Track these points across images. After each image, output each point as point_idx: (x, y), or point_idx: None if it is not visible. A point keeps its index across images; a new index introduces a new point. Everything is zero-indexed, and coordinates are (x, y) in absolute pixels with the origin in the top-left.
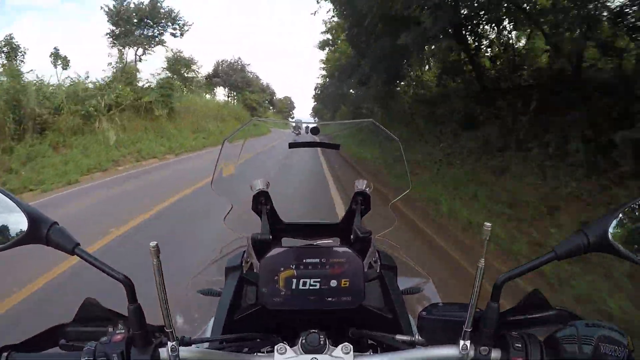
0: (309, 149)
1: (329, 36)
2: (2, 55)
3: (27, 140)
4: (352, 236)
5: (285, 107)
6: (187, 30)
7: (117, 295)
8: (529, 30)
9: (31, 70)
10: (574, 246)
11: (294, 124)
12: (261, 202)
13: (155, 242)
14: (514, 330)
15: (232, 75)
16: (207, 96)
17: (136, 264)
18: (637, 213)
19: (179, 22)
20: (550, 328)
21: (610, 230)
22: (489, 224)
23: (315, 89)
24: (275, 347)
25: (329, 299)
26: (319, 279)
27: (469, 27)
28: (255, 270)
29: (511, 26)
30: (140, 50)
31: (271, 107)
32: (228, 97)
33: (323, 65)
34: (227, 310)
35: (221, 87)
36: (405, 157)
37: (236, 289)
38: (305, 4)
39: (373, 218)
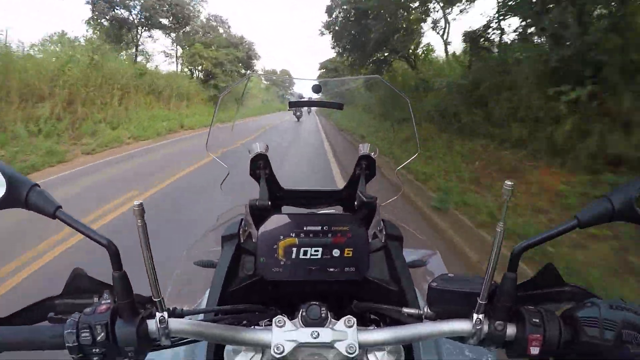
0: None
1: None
2: None
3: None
4: (356, 203)
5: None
6: None
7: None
8: None
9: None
10: (598, 213)
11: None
12: (259, 166)
13: (140, 202)
14: (528, 305)
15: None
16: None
17: None
18: None
19: None
20: (564, 304)
21: (637, 198)
22: (509, 183)
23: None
24: (274, 319)
25: (331, 269)
26: (320, 248)
27: None
28: (253, 240)
29: None
30: None
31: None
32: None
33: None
34: (222, 281)
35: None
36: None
37: (233, 258)
38: None
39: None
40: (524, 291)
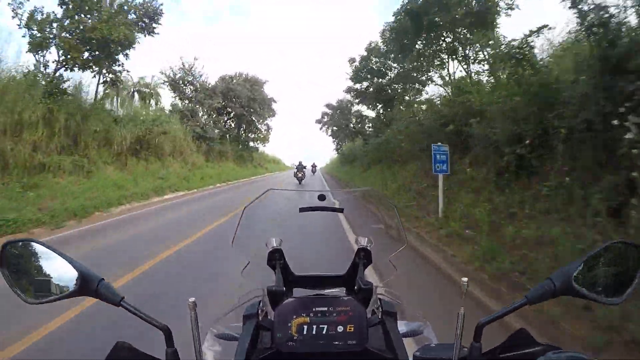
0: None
1: None
2: None
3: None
4: (355, 287)
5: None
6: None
7: None
8: None
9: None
10: (543, 292)
11: (297, 170)
12: (276, 258)
13: (193, 298)
14: None
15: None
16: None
17: None
18: (597, 262)
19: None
20: None
21: (574, 277)
22: (465, 279)
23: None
24: None
25: (336, 342)
26: (327, 325)
27: None
28: (270, 318)
29: None
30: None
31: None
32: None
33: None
34: (245, 353)
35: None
36: None
37: (253, 334)
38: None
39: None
40: (499, 354)
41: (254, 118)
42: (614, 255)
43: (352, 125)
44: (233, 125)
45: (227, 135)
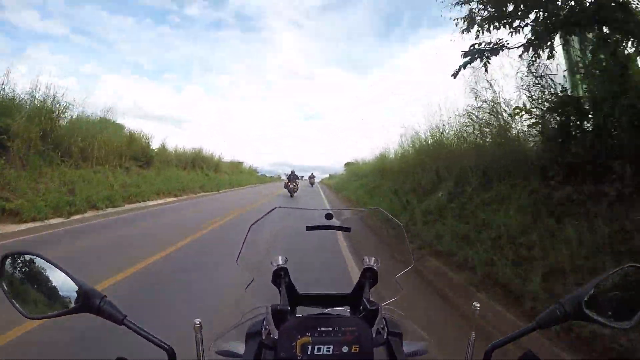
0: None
1: None
2: None
3: None
4: (361, 307)
5: None
6: None
7: None
8: None
9: None
10: (553, 317)
11: (287, 178)
12: (280, 275)
13: (199, 320)
14: None
15: None
16: None
17: None
18: (607, 286)
19: None
20: None
21: (585, 301)
22: (477, 304)
23: None
24: None
25: None
26: (332, 346)
27: None
28: (273, 336)
29: None
30: None
31: None
32: None
33: None
34: None
35: None
36: None
37: (256, 352)
38: None
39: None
40: None
41: None
42: (624, 279)
43: None
44: None
45: None
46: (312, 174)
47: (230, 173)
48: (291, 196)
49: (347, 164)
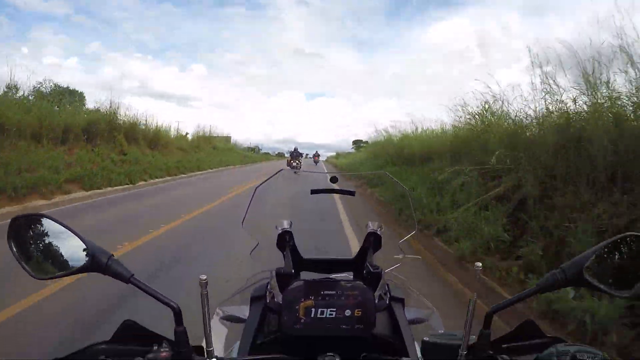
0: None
1: None
2: None
3: None
4: (364, 271)
5: None
6: None
7: None
8: None
9: None
10: (554, 281)
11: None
12: (285, 239)
13: (205, 276)
14: (504, 356)
15: None
16: None
17: None
18: (608, 254)
19: None
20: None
21: (586, 268)
22: (479, 264)
23: None
24: None
25: (344, 326)
26: (335, 309)
27: None
28: (277, 300)
29: None
30: None
31: None
32: None
33: None
34: (252, 335)
35: None
36: None
37: (260, 316)
38: None
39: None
40: (506, 343)
41: None
42: (626, 248)
43: None
44: None
45: None
46: (316, 152)
47: (189, 151)
48: (295, 172)
49: (355, 142)
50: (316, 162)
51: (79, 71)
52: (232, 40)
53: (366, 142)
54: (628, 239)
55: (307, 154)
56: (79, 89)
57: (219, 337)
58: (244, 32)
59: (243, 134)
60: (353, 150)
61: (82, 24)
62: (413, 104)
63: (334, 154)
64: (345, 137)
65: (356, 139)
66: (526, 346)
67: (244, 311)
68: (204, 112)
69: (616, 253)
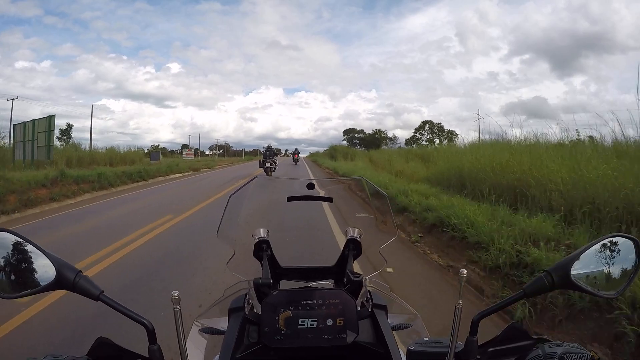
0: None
1: None
2: None
3: None
4: (345, 279)
5: None
6: None
7: None
8: None
9: None
10: (541, 285)
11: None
12: (262, 248)
13: (177, 292)
14: None
15: None
16: None
17: None
18: (594, 256)
19: None
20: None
21: (572, 270)
22: (464, 271)
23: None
24: None
25: (326, 336)
26: (316, 319)
27: None
28: (256, 311)
29: None
30: None
31: None
32: None
33: None
34: (231, 348)
35: None
36: None
37: (239, 328)
38: None
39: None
40: (493, 347)
41: None
42: (610, 249)
43: None
44: None
45: None
46: (296, 149)
47: None
48: (268, 175)
49: (346, 132)
50: (296, 160)
51: (53, 75)
52: (207, 36)
53: (362, 131)
54: (613, 239)
55: (287, 150)
56: (55, 93)
57: (198, 350)
58: (218, 28)
59: (222, 132)
60: (345, 143)
61: (54, 26)
62: (393, 95)
63: (318, 149)
64: (324, 130)
65: (347, 128)
66: (512, 349)
67: (222, 323)
68: (181, 112)
69: (601, 254)
